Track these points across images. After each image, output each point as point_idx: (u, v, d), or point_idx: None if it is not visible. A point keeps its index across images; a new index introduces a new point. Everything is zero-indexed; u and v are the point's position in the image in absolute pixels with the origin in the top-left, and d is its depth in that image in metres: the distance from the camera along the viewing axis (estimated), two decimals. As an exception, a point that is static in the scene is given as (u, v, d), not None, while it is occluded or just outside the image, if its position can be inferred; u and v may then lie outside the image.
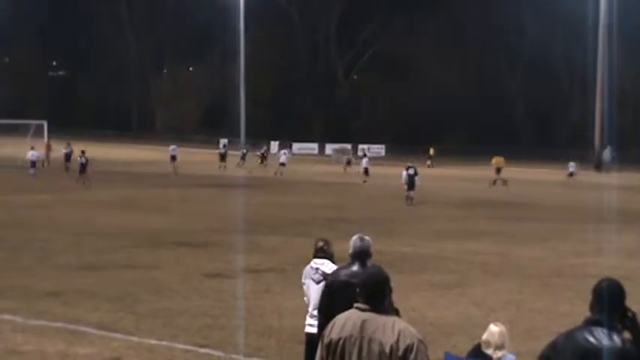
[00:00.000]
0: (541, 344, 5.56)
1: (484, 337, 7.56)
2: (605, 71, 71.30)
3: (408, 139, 78.39)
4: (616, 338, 5.02)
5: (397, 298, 5.68)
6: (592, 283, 5.37)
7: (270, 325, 12.54)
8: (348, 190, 41.18)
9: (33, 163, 44.92)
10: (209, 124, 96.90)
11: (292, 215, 28.75)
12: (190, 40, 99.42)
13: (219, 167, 55.12)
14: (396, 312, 5.32)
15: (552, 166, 63.06)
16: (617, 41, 70.44)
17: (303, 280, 8.76)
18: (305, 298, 8.79)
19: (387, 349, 5.02)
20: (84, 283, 15.61)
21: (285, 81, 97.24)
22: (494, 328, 7.53)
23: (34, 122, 59.63)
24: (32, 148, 46.46)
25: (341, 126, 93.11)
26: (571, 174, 55.92)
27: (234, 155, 57.01)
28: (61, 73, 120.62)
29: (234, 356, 11.04)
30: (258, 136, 79.77)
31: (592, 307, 5.19)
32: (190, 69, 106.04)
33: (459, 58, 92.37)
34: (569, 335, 5.16)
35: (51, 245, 20.32)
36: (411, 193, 34.14)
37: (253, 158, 60.45)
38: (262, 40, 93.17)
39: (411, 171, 34.52)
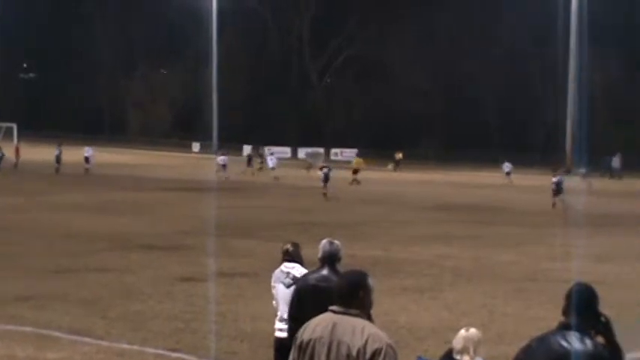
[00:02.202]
0: (513, 348, 5.56)
1: (453, 342, 7.58)
2: (577, 74, 71.67)
3: (381, 144, 78.37)
4: (588, 342, 5.05)
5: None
6: (565, 287, 5.39)
7: (243, 330, 12.48)
8: (321, 194, 41.10)
9: None
10: (181, 127, 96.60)
11: (265, 219, 28.69)
12: (163, 42, 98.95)
13: (246, 172, 54.91)
14: (367, 317, 5.31)
15: (524, 170, 63.13)
16: (588, 43, 70.60)
17: (272, 284, 8.70)
18: (274, 302, 8.74)
19: (355, 352, 5.02)
20: (54, 286, 15.48)
21: (259, 84, 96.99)
22: (461, 333, 7.54)
23: (4, 125, 59.16)
24: None
25: (314, 129, 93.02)
26: (508, 173, 56.88)
27: (210, 159, 56.62)
28: (31, 75, 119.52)
29: (206, 361, 10.98)
30: (231, 139, 79.54)
31: (565, 312, 5.22)
32: (163, 71, 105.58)
33: (433, 61, 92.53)
34: (542, 339, 5.19)
35: (22, 249, 20.14)
36: (326, 188, 38.50)
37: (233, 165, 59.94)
38: (235, 43, 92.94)
39: (325, 170, 39.63)
